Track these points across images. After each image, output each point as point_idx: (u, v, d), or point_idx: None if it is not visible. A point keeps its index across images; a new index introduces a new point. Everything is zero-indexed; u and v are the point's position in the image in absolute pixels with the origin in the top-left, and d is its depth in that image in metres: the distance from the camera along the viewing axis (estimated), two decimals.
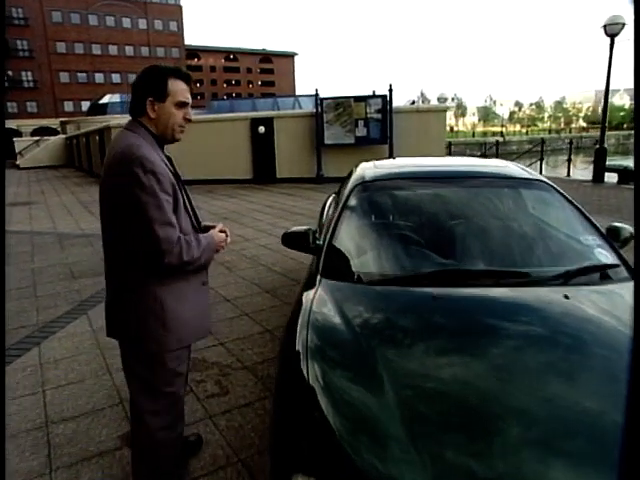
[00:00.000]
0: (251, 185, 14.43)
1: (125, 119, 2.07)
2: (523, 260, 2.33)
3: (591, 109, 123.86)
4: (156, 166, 1.67)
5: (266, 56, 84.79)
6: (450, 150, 17.43)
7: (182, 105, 1.81)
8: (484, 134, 61.32)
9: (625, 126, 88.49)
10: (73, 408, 2.89)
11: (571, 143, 18.02)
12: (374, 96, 14.10)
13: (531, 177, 2.83)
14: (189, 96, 1.84)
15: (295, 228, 2.68)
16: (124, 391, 2.85)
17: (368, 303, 2.03)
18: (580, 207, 2.60)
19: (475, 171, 2.99)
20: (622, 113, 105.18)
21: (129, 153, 1.66)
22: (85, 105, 51.29)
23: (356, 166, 3.50)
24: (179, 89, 1.79)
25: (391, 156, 13.77)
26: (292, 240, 2.63)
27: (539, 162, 16.53)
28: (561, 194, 2.68)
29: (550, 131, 77.55)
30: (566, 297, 1.90)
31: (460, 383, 1.50)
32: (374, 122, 14.13)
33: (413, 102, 18.27)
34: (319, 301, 2.03)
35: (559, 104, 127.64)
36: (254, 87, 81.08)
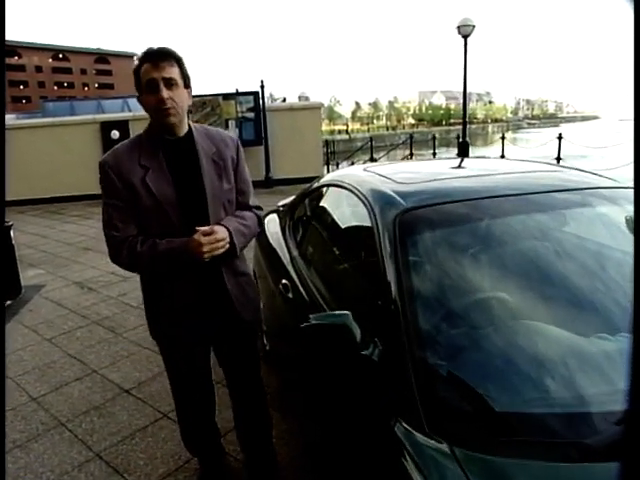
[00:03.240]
0: None
1: None
2: None
3: (417, 108, 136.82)
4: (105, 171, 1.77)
5: (102, 56, 77.72)
6: (327, 149, 16.84)
7: (148, 86, 1.63)
8: (331, 132, 63.49)
9: (444, 122, 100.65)
10: None
11: (434, 138, 18.73)
12: (245, 93, 12.84)
13: (622, 186, 1.95)
14: (156, 75, 1.61)
15: (318, 317, 1.41)
16: None
17: None
18: None
19: (555, 184, 1.97)
20: (441, 111, 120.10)
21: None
22: None
23: (320, 178, 2.34)
24: (143, 72, 1.64)
25: (267, 157, 12.65)
26: (320, 343, 1.36)
27: (409, 157, 16.77)
28: None
29: (387, 128, 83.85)
30: None
31: None
32: (247, 122, 12.88)
33: (284, 99, 17.35)
34: None
35: (391, 103, 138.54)
36: (91, 90, 73.90)
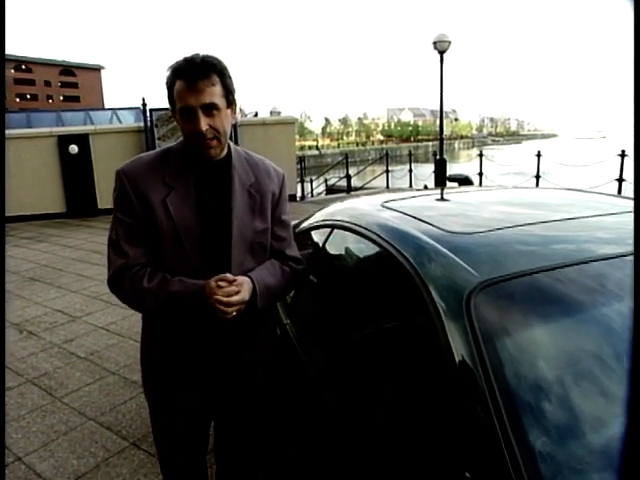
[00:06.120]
0: (65, 221, 11.13)
1: None
2: None
3: (386, 125, 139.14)
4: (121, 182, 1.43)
5: (67, 68, 75.77)
6: (302, 165, 16.21)
7: (183, 112, 1.33)
8: (301, 148, 63.55)
9: (412, 139, 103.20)
10: None
11: (410, 154, 18.35)
12: None
13: None
14: (194, 102, 1.29)
15: None
16: None
17: None
18: None
19: None
20: (409, 128, 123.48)
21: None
22: None
23: (313, 214, 1.70)
24: (177, 93, 1.33)
25: None
26: None
27: (385, 174, 16.29)
28: None
29: (357, 144, 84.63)
30: None
31: None
32: None
33: (256, 114, 16.69)
34: None
35: (361, 120, 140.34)
36: (55, 102, 71.72)
